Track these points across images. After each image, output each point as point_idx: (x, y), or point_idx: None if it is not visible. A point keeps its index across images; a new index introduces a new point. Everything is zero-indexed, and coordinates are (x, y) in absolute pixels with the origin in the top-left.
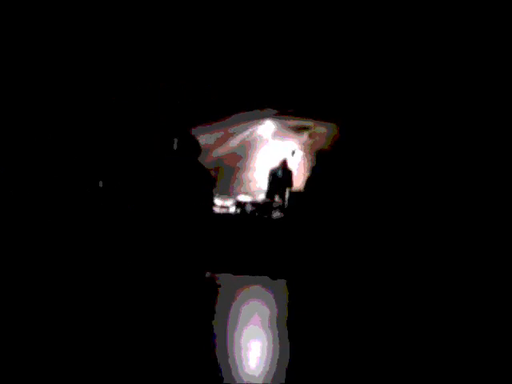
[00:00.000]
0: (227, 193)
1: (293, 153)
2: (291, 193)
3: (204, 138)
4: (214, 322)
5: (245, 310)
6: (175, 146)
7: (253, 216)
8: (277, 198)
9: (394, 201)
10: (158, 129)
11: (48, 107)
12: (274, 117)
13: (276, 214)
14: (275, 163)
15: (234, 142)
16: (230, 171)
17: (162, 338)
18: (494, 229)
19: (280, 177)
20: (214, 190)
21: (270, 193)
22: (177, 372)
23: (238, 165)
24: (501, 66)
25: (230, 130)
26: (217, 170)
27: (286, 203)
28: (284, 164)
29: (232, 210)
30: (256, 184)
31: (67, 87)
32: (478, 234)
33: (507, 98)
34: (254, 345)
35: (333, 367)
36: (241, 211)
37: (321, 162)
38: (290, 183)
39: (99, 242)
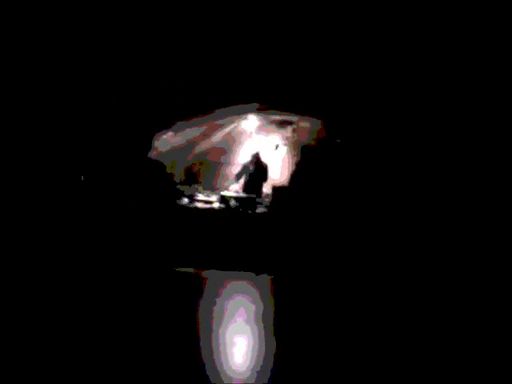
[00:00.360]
0: (211, 188)
1: (276, 147)
2: (275, 188)
3: (187, 134)
4: (198, 318)
5: (230, 305)
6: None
7: (237, 211)
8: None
9: (379, 196)
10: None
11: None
12: (257, 111)
13: (260, 209)
14: (250, 158)
15: (217, 137)
16: (214, 166)
17: (146, 335)
18: (488, 228)
19: (253, 172)
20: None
21: (245, 188)
22: (163, 368)
23: (221, 160)
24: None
25: (214, 125)
26: (201, 164)
27: (269, 198)
28: (257, 159)
29: (216, 205)
30: (236, 177)
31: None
32: (466, 232)
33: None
34: (239, 340)
35: (317, 361)
36: (225, 206)
37: (306, 157)
38: (265, 177)
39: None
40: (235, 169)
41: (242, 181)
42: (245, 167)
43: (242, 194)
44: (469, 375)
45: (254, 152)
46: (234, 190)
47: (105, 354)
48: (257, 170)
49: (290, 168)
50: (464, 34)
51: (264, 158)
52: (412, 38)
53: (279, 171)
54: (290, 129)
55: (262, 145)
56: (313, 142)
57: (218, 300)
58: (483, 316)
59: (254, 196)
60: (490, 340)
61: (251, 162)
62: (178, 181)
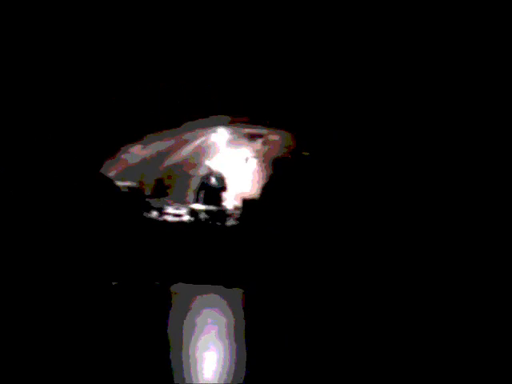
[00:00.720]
0: (181, 201)
1: (246, 160)
2: (245, 200)
3: (156, 146)
4: (168, 332)
5: (200, 319)
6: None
7: (206, 224)
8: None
9: (349, 207)
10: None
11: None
12: (227, 124)
13: (230, 222)
14: (210, 171)
15: (187, 150)
16: (183, 179)
17: (114, 350)
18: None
19: (210, 184)
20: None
21: (205, 199)
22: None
23: (191, 173)
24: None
25: (183, 138)
26: (169, 177)
27: (239, 211)
28: (211, 170)
29: (186, 218)
30: (210, 192)
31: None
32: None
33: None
34: (209, 354)
35: (290, 375)
36: (194, 219)
37: (276, 169)
38: (223, 188)
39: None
40: (199, 182)
41: (203, 193)
42: (206, 180)
43: (211, 207)
44: (468, 375)
45: (216, 165)
46: (202, 203)
47: (75, 370)
48: (215, 183)
49: (260, 180)
50: (451, 33)
51: (232, 171)
52: (387, 51)
53: (249, 184)
54: (259, 142)
55: (231, 158)
56: (283, 155)
57: (187, 314)
58: (483, 316)
59: (224, 209)
60: (490, 340)
61: (208, 174)
62: (146, 194)
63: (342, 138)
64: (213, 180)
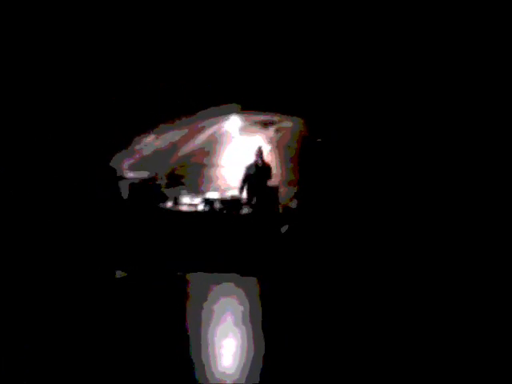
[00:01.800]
0: (195, 190)
1: (260, 148)
2: (259, 188)
3: (169, 136)
4: (186, 321)
5: (217, 307)
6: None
7: (221, 213)
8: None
9: (365, 194)
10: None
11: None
12: (239, 112)
13: (245, 211)
14: (249, 158)
15: (200, 139)
16: (197, 168)
17: (134, 339)
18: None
19: (255, 171)
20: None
21: (248, 188)
22: (152, 371)
23: (205, 161)
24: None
25: (196, 127)
26: (184, 167)
27: (255, 199)
28: (260, 156)
29: (200, 207)
30: (224, 180)
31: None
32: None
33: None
34: (227, 342)
35: (306, 361)
36: (209, 209)
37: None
38: (269, 176)
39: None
40: (224, 170)
41: (241, 182)
42: (248, 168)
43: (225, 196)
44: (469, 375)
45: (257, 151)
46: (220, 191)
47: (92, 357)
48: (260, 170)
49: (274, 168)
50: (445, 26)
51: (245, 159)
52: (393, 37)
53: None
54: (272, 129)
55: (245, 145)
56: (295, 142)
57: (204, 303)
58: (483, 316)
59: (237, 197)
60: (490, 340)
61: (256, 161)
62: (161, 184)
63: (354, 124)
64: (260, 167)
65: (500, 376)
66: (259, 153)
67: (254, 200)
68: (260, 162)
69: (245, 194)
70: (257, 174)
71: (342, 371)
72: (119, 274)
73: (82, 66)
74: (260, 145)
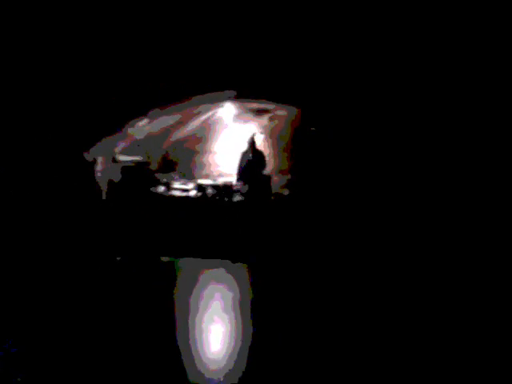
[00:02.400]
0: (188, 176)
1: (253, 135)
2: (252, 175)
3: (163, 121)
4: (175, 306)
5: (206, 293)
6: None
7: (213, 199)
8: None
9: (356, 184)
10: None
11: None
12: (234, 99)
13: (237, 198)
14: (242, 145)
15: (193, 125)
16: (190, 154)
17: (121, 324)
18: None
19: (250, 159)
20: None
21: (241, 175)
22: (139, 356)
23: (197, 148)
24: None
25: (190, 113)
26: (177, 152)
27: (247, 186)
28: (253, 145)
29: (192, 193)
30: (216, 167)
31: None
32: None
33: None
34: (216, 328)
35: (294, 348)
36: (201, 195)
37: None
38: (263, 164)
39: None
40: (217, 157)
41: (238, 168)
42: (243, 155)
43: (218, 182)
44: (468, 375)
45: (250, 139)
46: (212, 177)
47: (78, 342)
48: (254, 158)
49: (267, 156)
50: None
51: (238, 147)
52: (389, 28)
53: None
54: (266, 117)
55: (238, 133)
56: (290, 130)
57: (194, 288)
58: (483, 316)
59: (230, 184)
60: (490, 340)
61: (248, 149)
62: (153, 169)
63: (350, 113)
64: (253, 156)
65: (500, 376)
66: (252, 141)
67: (247, 187)
68: (252, 150)
69: (239, 182)
70: (250, 162)
71: (332, 360)
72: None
73: (73, 56)
74: (253, 133)
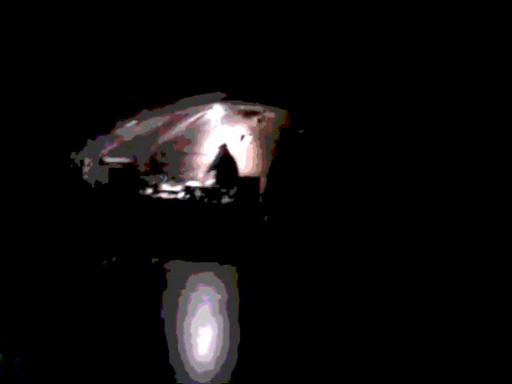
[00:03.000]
0: (176, 178)
1: (242, 137)
2: (240, 178)
3: (151, 123)
4: (163, 309)
5: (194, 296)
6: None
7: (202, 202)
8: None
9: (345, 184)
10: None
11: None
12: (222, 101)
13: (225, 200)
14: (217, 149)
15: (181, 127)
16: (178, 156)
17: (109, 326)
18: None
19: (220, 162)
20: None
21: (217, 179)
22: (127, 359)
23: (186, 149)
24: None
25: (178, 114)
26: (165, 154)
27: (234, 189)
28: (224, 149)
29: (181, 195)
30: (205, 169)
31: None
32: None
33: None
34: (204, 331)
35: (282, 351)
36: (189, 197)
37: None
38: (234, 169)
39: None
40: (202, 159)
41: (210, 171)
42: (213, 158)
43: (206, 185)
44: (468, 375)
45: (221, 143)
46: (200, 180)
47: (68, 345)
48: (224, 161)
49: (256, 158)
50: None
51: (231, 149)
52: (384, 27)
53: (244, 161)
54: (255, 119)
55: (227, 135)
56: (278, 132)
57: (182, 291)
58: (483, 316)
59: (218, 186)
60: (490, 340)
61: (219, 152)
62: (141, 170)
63: (338, 115)
64: (223, 159)
65: (500, 376)
66: (223, 147)
67: (235, 190)
68: (224, 155)
69: (211, 183)
70: (221, 166)
71: (321, 361)
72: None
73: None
74: (224, 143)
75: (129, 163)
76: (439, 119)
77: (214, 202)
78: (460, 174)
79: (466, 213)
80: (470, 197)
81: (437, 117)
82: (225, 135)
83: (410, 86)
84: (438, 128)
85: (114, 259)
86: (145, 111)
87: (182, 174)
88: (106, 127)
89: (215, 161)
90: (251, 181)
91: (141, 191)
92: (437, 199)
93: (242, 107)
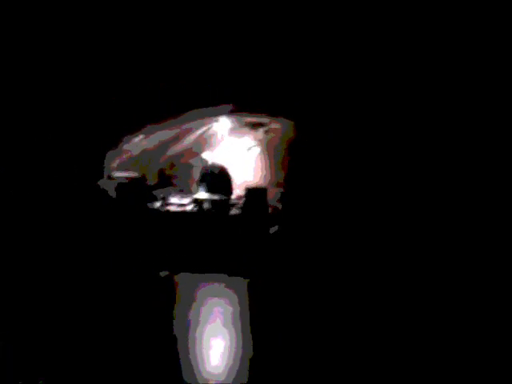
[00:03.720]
0: (184, 191)
1: (249, 149)
2: (249, 189)
3: (158, 136)
4: (173, 321)
5: (205, 308)
6: None
7: (210, 214)
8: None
9: (354, 196)
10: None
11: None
12: (229, 113)
13: (234, 212)
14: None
15: (189, 139)
16: (186, 169)
17: (120, 340)
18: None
19: (220, 174)
20: None
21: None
22: (139, 372)
23: (194, 162)
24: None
25: (185, 127)
26: (172, 167)
27: (243, 200)
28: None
29: (189, 208)
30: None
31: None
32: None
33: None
34: (215, 342)
35: (294, 363)
36: (198, 209)
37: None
38: (225, 179)
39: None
40: (203, 172)
41: (209, 183)
42: (210, 169)
43: (215, 197)
44: (469, 375)
45: (222, 155)
46: (207, 192)
47: (79, 356)
48: (224, 173)
49: (263, 170)
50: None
51: (234, 160)
52: (385, 35)
53: (252, 173)
54: (262, 130)
55: (234, 147)
56: (285, 143)
57: (192, 303)
58: (483, 316)
59: (227, 198)
60: (490, 340)
61: (211, 166)
62: (150, 184)
63: (345, 126)
64: (213, 171)
65: (500, 376)
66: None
67: (243, 201)
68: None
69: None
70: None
71: (331, 374)
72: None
73: (70, 63)
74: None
75: (137, 177)
76: (440, 121)
77: (223, 213)
78: (460, 173)
79: (466, 213)
80: (470, 197)
81: (438, 119)
82: (232, 147)
83: (418, 92)
84: (439, 129)
85: (121, 273)
86: (151, 125)
87: (190, 186)
88: (113, 142)
89: (213, 171)
90: (259, 192)
91: (149, 204)
92: (440, 199)
93: (249, 119)
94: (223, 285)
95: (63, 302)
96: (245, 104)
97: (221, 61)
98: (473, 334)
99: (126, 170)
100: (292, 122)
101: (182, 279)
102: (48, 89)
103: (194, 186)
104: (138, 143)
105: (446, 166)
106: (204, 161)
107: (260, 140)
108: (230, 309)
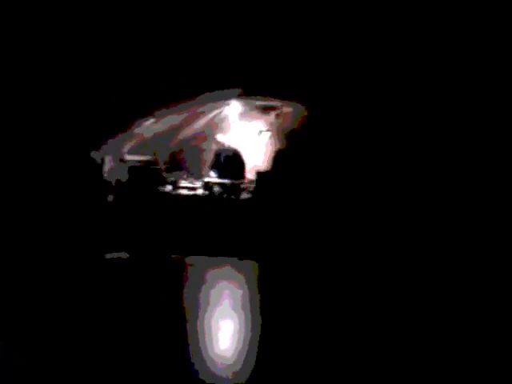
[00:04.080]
0: (195, 174)
1: (260, 133)
2: (259, 173)
3: (169, 120)
4: (183, 304)
5: (215, 291)
6: None
7: (221, 197)
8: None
9: (363, 182)
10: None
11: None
12: (240, 97)
13: (244, 195)
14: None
15: (200, 123)
16: (197, 153)
17: (130, 322)
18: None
19: (232, 158)
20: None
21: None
22: (147, 354)
23: (204, 146)
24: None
25: (196, 111)
26: (183, 151)
27: (253, 184)
28: (223, 145)
29: (200, 191)
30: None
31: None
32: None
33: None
34: (224, 325)
35: (303, 346)
36: (209, 193)
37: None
38: (238, 162)
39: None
40: (216, 154)
41: (222, 166)
42: (223, 154)
43: (225, 181)
44: (468, 375)
45: (233, 138)
46: (217, 176)
47: (87, 339)
48: (237, 157)
49: (274, 153)
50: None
51: (245, 144)
52: (396, 26)
53: (263, 157)
54: (273, 114)
55: (245, 130)
56: (296, 127)
57: (202, 286)
58: (483, 316)
59: (237, 182)
60: (490, 340)
61: (224, 149)
62: (161, 167)
63: (357, 111)
64: (227, 155)
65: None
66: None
67: (253, 185)
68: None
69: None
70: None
71: (340, 359)
72: (120, 255)
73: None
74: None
75: (148, 160)
76: (440, 121)
77: (233, 197)
78: (460, 173)
79: (465, 212)
80: (469, 197)
81: (438, 119)
82: (243, 131)
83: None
84: (440, 129)
85: (133, 255)
86: (163, 109)
87: (200, 170)
88: (125, 126)
89: (225, 155)
90: (269, 176)
91: (160, 188)
92: (441, 199)
93: (260, 103)
94: (233, 268)
95: (71, 284)
96: (255, 87)
97: (231, 44)
98: (473, 334)
99: (138, 153)
100: (304, 106)
101: (193, 262)
102: (57, 74)
103: (205, 169)
104: (149, 127)
105: (454, 163)
106: (219, 143)
107: (271, 124)
108: (240, 292)
